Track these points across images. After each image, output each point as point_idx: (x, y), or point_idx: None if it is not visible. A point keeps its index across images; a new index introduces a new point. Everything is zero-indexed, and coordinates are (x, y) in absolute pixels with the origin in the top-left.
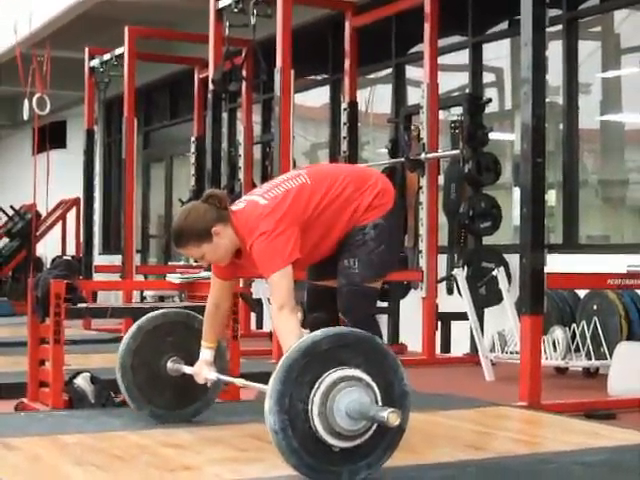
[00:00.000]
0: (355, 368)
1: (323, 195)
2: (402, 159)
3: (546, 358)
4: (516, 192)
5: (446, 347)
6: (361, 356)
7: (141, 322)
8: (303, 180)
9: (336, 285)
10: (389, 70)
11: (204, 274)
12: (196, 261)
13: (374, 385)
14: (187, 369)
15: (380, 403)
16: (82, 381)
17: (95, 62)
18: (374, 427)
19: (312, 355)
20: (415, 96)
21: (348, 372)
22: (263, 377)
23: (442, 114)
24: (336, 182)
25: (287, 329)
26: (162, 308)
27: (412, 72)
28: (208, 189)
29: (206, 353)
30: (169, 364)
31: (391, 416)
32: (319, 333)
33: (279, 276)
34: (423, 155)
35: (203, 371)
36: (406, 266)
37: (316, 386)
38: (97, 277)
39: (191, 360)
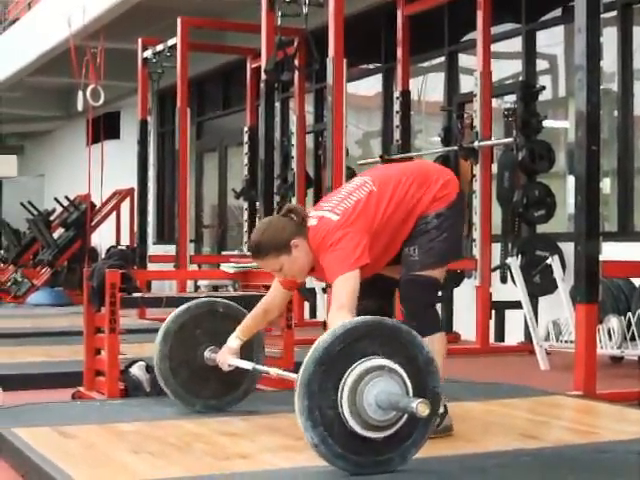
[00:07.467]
0: (375, 356)
1: (389, 200)
2: (455, 147)
3: (601, 347)
4: (570, 180)
5: (500, 336)
6: (377, 342)
7: (166, 325)
8: (369, 188)
9: (388, 273)
10: (442, 58)
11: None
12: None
13: (397, 367)
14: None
15: (408, 382)
16: (137, 370)
17: (148, 53)
18: None
19: (327, 360)
20: (468, 84)
21: (368, 363)
22: None
23: (495, 102)
24: (399, 184)
25: None
26: (216, 297)
27: (465, 60)
28: (288, 204)
29: (232, 341)
30: (206, 354)
31: (420, 407)
32: (327, 336)
33: (343, 278)
34: (476, 143)
35: (226, 357)
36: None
37: (340, 387)
38: (151, 267)
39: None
